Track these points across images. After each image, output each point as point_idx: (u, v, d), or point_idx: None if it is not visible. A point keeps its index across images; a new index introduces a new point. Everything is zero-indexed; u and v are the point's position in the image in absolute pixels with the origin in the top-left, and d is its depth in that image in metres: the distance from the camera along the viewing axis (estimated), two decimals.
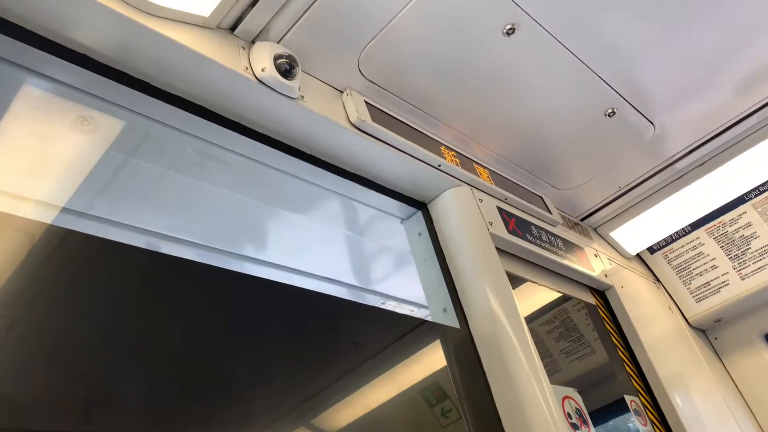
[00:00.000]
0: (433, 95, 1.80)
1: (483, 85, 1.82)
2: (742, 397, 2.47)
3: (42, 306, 1.00)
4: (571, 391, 1.70)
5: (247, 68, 1.40)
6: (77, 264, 1.10)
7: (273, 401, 1.24)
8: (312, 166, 1.66)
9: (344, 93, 1.66)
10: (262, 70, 1.40)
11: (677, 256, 2.65)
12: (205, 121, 1.44)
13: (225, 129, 1.47)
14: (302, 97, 1.50)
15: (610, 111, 2.03)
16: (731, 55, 1.99)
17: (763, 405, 2.43)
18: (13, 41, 1.17)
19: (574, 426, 1.60)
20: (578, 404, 1.68)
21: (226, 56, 1.37)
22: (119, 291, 1.13)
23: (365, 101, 1.68)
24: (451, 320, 1.69)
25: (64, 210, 1.48)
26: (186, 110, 1.40)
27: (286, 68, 1.42)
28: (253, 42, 1.47)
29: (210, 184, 1.66)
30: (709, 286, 2.56)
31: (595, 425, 1.70)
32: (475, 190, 1.93)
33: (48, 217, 1.43)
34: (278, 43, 1.48)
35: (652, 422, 1.98)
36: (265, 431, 1.19)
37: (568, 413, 1.61)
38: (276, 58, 1.42)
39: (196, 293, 1.27)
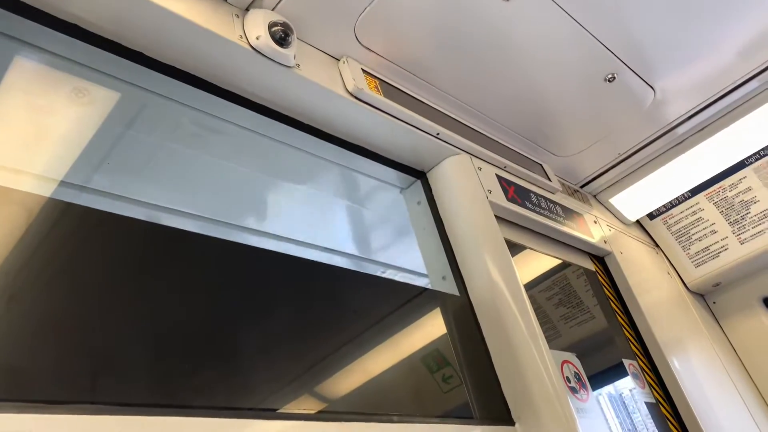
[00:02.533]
0: (431, 62, 1.78)
1: (481, 51, 1.80)
2: (740, 360, 2.50)
3: (44, 278, 1.01)
4: (570, 356, 1.72)
5: (241, 37, 1.38)
6: (79, 236, 1.11)
7: (275, 370, 1.26)
8: (309, 136, 1.65)
9: (341, 61, 1.64)
10: (257, 38, 1.38)
11: (677, 222, 2.66)
12: (201, 91, 1.43)
13: (221, 99, 1.46)
14: (298, 65, 1.48)
15: (609, 76, 2.01)
16: (733, 17, 1.96)
17: (760, 367, 2.46)
18: (5, 12, 1.16)
19: (572, 390, 1.62)
20: (577, 368, 1.70)
21: (220, 25, 1.35)
22: (121, 262, 1.14)
23: (362, 69, 1.66)
24: (450, 287, 1.70)
25: (63, 183, 1.48)
26: (181, 80, 1.39)
27: (281, 36, 1.41)
28: (247, 9, 1.45)
29: (208, 155, 1.65)
30: (708, 251, 2.56)
31: (594, 389, 1.72)
32: (474, 158, 1.92)
33: (47, 190, 1.43)
34: (273, 10, 1.46)
35: (650, 385, 2.00)
36: (267, 399, 1.21)
37: (567, 377, 1.63)
38: (271, 25, 1.40)
39: (197, 264, 1.27)
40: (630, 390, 1.90)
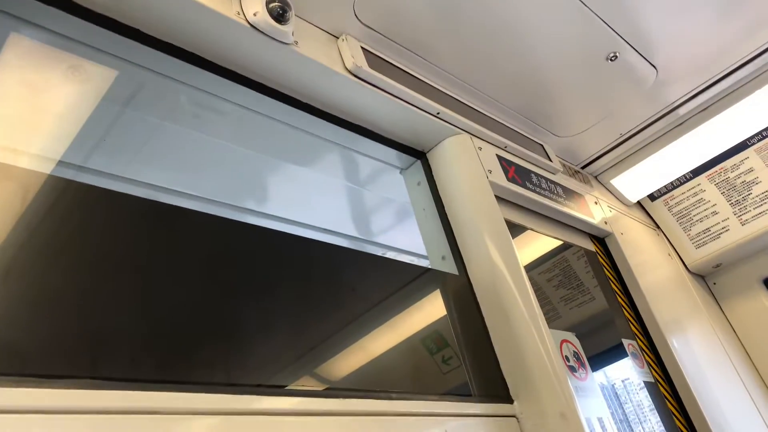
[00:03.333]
0: (431, 41, 1.76)
1: (482, 30, 1.78)
2: (740, 340, 2.50)
3: (44, 253, 1.01)
4: (569, 335, 1.73)
5: (238, 13, 1.36)
6: (78, 212, 1.10)
7: (277, 348, 1.26)
8: (308, 115, 1.64)
9: (340, 38, 1.63)
10: (254, 14, 1.36)
11: (678, 203, 2.65)
12: (198, 69, 1.41)
13: (218, 77, 1.45)
14: (296, 42, 1.47)
15: (611, 55, 1.99)
16: None
17: (760, 348, 2.47)
18: None
19: (571, 368, 1.62)
20: (576, 348, 1.71)
21: (217, 0, 1.33)
22: (122, 238, 1.14)
23: (362, 47, 1.64)
24: (450, 267, 1.70)
25: (60, 163, 1.47)
26: (178, 58, 1.38)
27: (279, 12, 1.39)
28: None
29: (207, 135, 1.64)
30: (709, 232, 2.56)
31: (593, 369, 1.72)
32: (474, 138, 1.91)
33: (45, 169, 1.42)
34: None
35: (649, 364, 2.01)
36: (269, 380, 1.22)
37: (566, 356, 1.64)
38: (268, 1, 1.38)
39: (198, 242, 1.27)
40: (623, 381, 1.91)
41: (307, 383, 1.28)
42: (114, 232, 1.13)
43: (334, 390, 1.28)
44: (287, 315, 1.32)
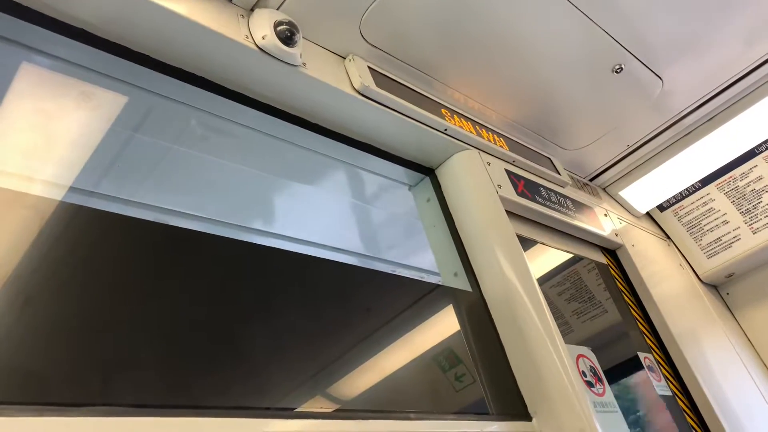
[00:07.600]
0: (437, 58, 1.77)
1: (487, 46, 1.79)
2: (755, 350, 2.47)
3: (59, 281, 1.01)
4: (585, 350, 1.71)
5: (247, 36, 1.38)
6: (91, 238, 1.11)
7: (291, 369, 1.25)
8: (317, 135, 1.65)
9: (347, 59, 1.64)
10: (263, 37, 1.37)
11: (687, 213, 2.63)
12: (207, 92, 1.42)
13: (227, 100, 1.46)
14: (304, 64, 1.48)
15: (617, 67, 2.00)
16: (739, 5, 1.94)
17: None
18: (10, 18, 1.16)
19: (588, 384, 1.60)
20: (592, 362, 1.69)
21: (226, 25, 1.34)
22: (134, 264, 1.14)
23: (368, 66, 1.65)
24: (463, 284, 1.70)
25: (72, 189, 1.48)
26: (187, 82, 1.39)
27: (287, 35, 1.40)
28: (252, 9, 1.44)
29: (216, 157, 1.65)
30: (721, 242, 2.54)
31: (609, 383, 1.71)
32: (482, 154, 1.91)
33: (56, 196, 1.43)
34: (278, 9, 1.45)
35: (666, 378, 1.99)
36: (282, 400, 1.21)
37: (583, 371, 1.62)
38: (276, 25, 1.40)
39: (209, 265, 1.27)
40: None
41: (318, 404, 1.27)
42: (126, 258, 1.13)
43: (347, 411, 1.27)
44: (297, 335, 1.32)
